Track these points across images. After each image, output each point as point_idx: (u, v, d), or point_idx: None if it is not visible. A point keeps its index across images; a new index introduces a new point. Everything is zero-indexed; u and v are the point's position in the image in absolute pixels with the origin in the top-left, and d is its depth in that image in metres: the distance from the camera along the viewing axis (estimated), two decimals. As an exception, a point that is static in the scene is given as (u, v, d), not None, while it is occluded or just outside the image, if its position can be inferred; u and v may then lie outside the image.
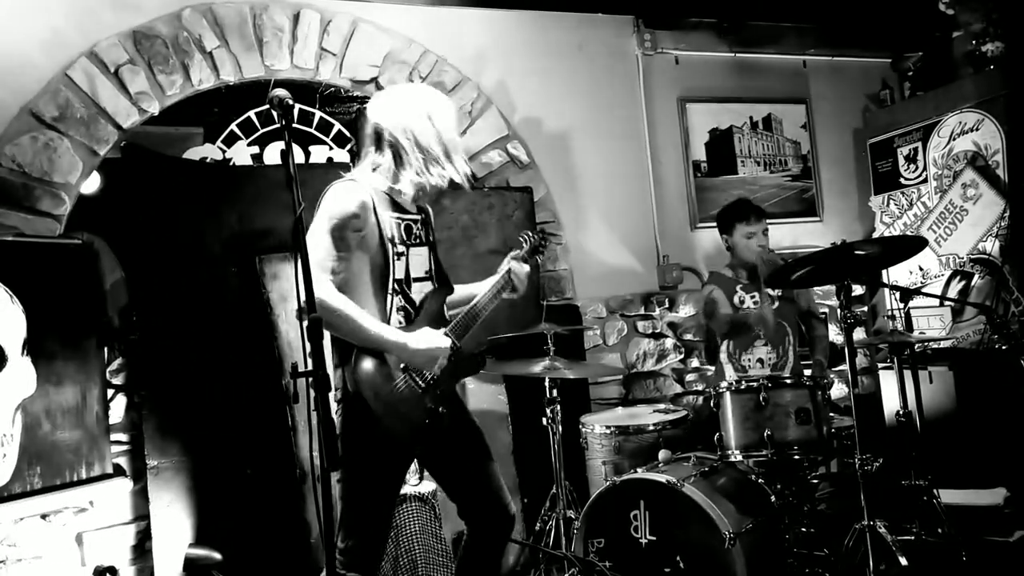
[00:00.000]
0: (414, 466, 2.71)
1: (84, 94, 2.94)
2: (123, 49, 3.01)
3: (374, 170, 2.04)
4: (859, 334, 4.18)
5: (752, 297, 3.23)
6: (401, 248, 2.01)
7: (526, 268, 2.26)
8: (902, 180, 4.22)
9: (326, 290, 1.84)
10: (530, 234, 2.36)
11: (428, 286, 2.09)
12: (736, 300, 3.25)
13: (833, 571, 2.44)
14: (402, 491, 2.76)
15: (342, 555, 1.89)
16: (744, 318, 3.13)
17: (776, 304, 3.21)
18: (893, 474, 2.78)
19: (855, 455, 2.34)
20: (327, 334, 1.89)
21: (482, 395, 3.25)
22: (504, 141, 3.73)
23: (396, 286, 1.99)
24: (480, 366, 2.15)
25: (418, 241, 2.08)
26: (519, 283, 2.22)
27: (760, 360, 3.17)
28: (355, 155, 3.52)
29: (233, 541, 2.80)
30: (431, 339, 1.96)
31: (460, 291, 2.23)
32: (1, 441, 2.45)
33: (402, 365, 1.94)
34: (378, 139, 2.04)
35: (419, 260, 2.07)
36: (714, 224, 3.49)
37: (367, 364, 1.90)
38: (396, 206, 2.04)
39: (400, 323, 1.98)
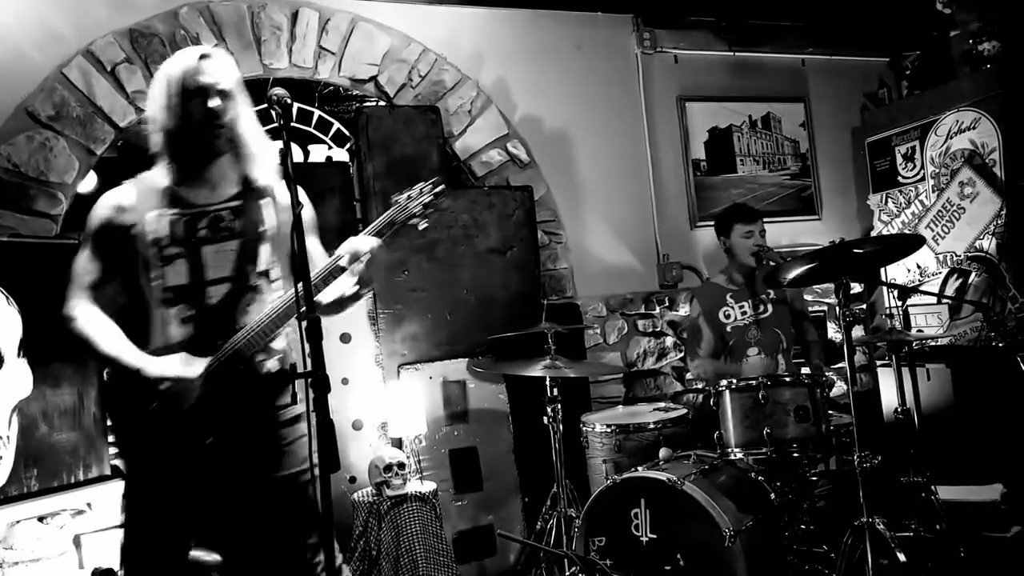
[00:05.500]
0: None
1: (80, 93, 2.92)
2: (120, 47, 3.00)
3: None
4: (858, 332, 4.18)
5: (741, 308, 3.22)
6: (174, 249, 1.67)
7: (373, 242, 1.71)
8: (900, 178, 4.23)
9: (76, 307, 1.68)
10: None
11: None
12: (722, 315, 3.23)
13: (832, 568, 2.44)
14: (404, 491, 2.76)
15: None
16: (729, 370, 3.12)
17: (769, 311, 3.21)
18: (891, 471, 2.78)
19: (854, 452, 2.34)
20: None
21: (482, 394, 3.25)
22: (504, 140, 3.73)
23: (168, 294, 1.67)
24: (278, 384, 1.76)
25: (224, 235, 1.71)
26: (362, 270, 1.71)
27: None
28: (353, 154, 3.51)
29: (233, 543, 2.78)
30: (167, 366, 1.61)
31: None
32: (-2, 442, 2.43)
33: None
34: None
35: (220, 257, 1.70)
36: (714, 223, 3.49)
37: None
38: (177, 200, 1.71)
39: (187, 337, 1.66)
